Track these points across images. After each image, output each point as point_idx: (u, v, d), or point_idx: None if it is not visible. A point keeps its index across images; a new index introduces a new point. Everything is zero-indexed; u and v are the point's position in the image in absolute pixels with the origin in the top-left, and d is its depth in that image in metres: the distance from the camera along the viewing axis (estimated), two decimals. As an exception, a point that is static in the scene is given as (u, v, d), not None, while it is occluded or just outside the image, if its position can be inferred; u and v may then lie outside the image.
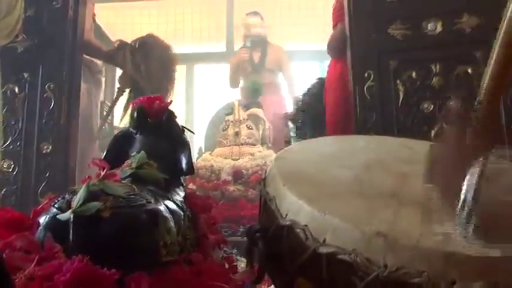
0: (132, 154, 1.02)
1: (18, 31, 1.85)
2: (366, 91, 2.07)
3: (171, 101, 1.13)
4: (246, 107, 3.72)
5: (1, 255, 0.46)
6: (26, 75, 2.31)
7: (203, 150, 3.77)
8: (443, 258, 0.74)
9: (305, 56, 5.20)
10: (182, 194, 0.99)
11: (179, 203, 0.91)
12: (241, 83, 4.71)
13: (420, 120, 1.99)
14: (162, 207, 0.80)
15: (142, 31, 5.53)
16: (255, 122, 3.56)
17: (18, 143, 2.22)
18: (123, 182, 0.86)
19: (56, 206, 0.75)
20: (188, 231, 0.86)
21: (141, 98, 1.10)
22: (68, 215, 0.71)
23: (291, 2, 5.42)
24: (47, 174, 2.22)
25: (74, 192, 0.76)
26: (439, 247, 0.76)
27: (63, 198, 0.76)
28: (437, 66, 2.02)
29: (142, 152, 0.99)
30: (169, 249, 0.74)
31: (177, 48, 5.42)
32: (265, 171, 1.09)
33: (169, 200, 0.88)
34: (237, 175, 3.00)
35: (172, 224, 0.79)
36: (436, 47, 2.01)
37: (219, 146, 3.45)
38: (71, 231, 0.70)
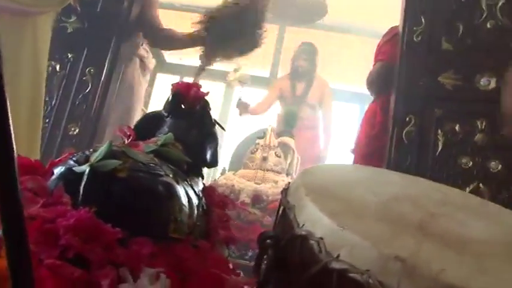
0: (159, 136, 1.02)
1: (74, 3, 1.90)
2: (405, 135, 2.04)
3: (208, 92, 1.13)
4: (278, 135, 3.73)
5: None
6: (70, 55, 2.37)
7: (226, 171, 3.78)
8: (463, 297, 0.71)
9: (346, 96, 5.20)
10: (200, 184, 0.98)
11: (196, 191, 0.90)
12: (280, 109, 4.72)
13: (456, 175, 1.95)
14: (179, 185, 0.79)
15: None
16: (285, 151, 3.56)
17: (47, 120, 2.26)
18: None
19: (73, 158, 0.75)
20: (200, 220, 0.85)
21: (179, 83, 1.11)
22: (84, 168, 0.71)
23: (343, 39, 5.46)
24: (68, 156, 2.24)
25: (95, 150, 0.76)
26: (462, 284, 0.72)
27: (83, 153, 0.76)
28: (484, 123, 1.98)
29: (170, 133, 0.99)
30: (178, 226, 0.73)
31: (219, 66, 5.53)
32: (289, 183, 1.08)
33: (187, 183, 0.87)
34: (257, 199, 2.97)
35: (186, 204, 0.78)
36: (486, 103, 1.99)
37: (244, 168, 3.44)
38: (83, 183, 0.69)
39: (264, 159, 3.42)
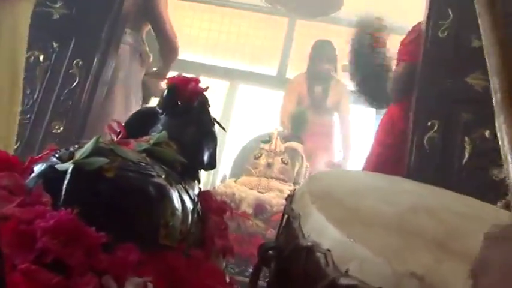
0: (153, 134, 1.03)
1: None
2: (426, 142, 2.03)
3: (208, 87, 1.14)
4: (285, 139, 3.73)
5: None
6: (55, 45, 2.37)
7: (227, 178, 3.79)
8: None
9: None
10: (196, 188, 0.99)
11: (192, 195, 0.91)
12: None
13: (485, 188, 1.93)
14: (172, 187, 0.80)
15: (191, 34, 5.70)
16: (292, 157, 3.56)
17: (28, 115, 2.27)
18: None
19: (56, 155, 0.76)
20: (194, 227, 0.86)
21: (176, 76, 1.12)
22: (67, 165, 0.72)
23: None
24: (51, 157, 2.24)
25: (81, 147, 0.77)
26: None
27: (67, 149, 0.78)
28: (517, 130, 1.97)
29: (164, 132, 1.00)
30: (169, 232, 0.74)
31: (223, 62, 5.56)
32: (294, 189, 1.09)
33: (182, 186, 0.88)
34: (259, 209, 2.98)
35: (179, 208, 0.79)
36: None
37: (246, 175, 3.46)
38: (66, 182, 0.70)
39: (269, 165, 3.43)
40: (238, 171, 3.72)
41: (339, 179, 1.13)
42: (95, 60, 2.38)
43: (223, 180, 3.73)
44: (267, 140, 3.69)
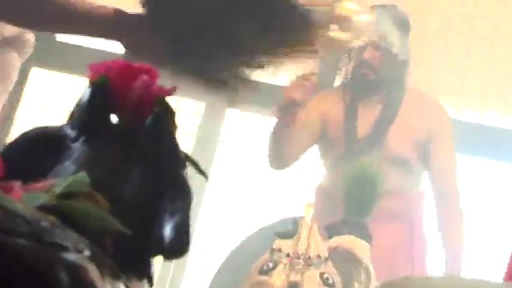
0: (59, 178, 1.08)
1: None
2: None
3: (175, 88, 1.20)
4: (330, 231, 3.74)
5: None
6: None
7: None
8: None
9: (485, 142, 5.27)
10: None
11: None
12: (324, 173, 4.74)
13: None
14: (102, 276, 0.86)
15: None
16: (346, 269, 3.58)
17: None
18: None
19: None
20: None
21: (109, 62, 1.17)
22: None
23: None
24: None
25: None
26: None
27: None
28: None
29: (82, 173, 1.05)
30: None
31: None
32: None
33: (121, 281, 0.93)
34: None
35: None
36: None
37: (242, 309, 3.47)
38: None
39: None
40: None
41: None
42: None
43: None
44: (290, 232, 3.68)
